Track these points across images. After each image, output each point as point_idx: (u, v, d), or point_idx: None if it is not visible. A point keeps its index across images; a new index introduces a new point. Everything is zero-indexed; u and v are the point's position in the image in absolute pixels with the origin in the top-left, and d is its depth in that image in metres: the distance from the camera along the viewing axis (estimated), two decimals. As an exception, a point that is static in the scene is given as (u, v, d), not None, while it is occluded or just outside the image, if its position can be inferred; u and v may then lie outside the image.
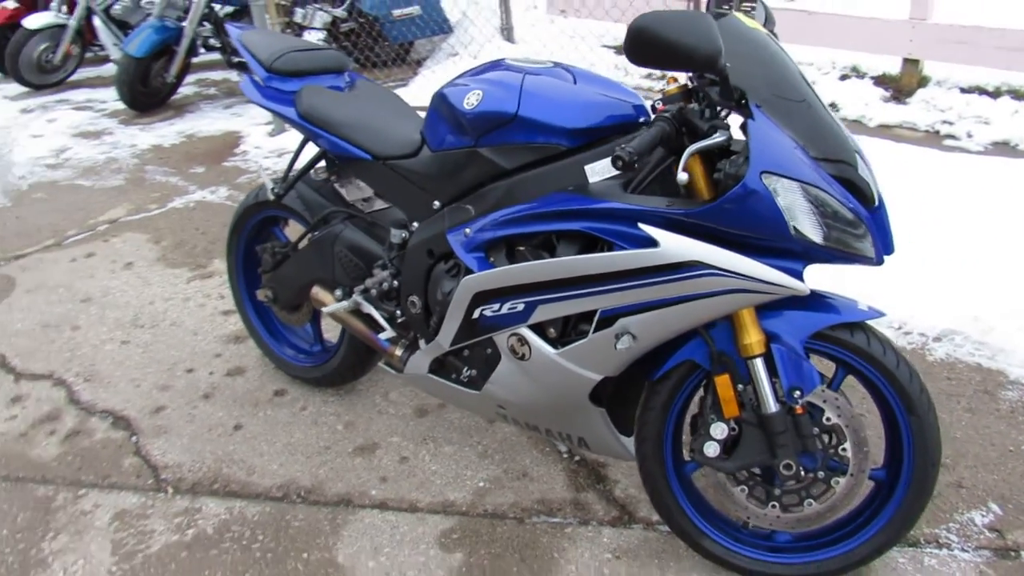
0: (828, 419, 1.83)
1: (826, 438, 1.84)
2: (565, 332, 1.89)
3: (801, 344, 1.76)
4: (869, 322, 1.82)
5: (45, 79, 7.37)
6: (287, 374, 2.92)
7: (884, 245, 1.70)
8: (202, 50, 6.76)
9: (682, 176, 1.61)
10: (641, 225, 1.67)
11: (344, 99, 2.45)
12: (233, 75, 7.25)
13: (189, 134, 6.04)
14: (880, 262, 1.67)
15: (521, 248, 1.92)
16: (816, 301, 1.79)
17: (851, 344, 1.78)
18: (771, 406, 1.76)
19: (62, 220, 4.59)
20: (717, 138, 1.62)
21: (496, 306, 1.92)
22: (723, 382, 1.80)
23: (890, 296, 3.01)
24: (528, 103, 1.86)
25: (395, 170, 2.24)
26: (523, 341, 1.93)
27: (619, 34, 7.02)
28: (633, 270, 1.69)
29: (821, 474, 1.85)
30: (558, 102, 1.86)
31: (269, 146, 5.51)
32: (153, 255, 4.07)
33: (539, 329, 1.91)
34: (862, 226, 1.61)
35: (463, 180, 2.04)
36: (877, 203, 1.67)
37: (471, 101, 1.95)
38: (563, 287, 1.80)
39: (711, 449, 1.83)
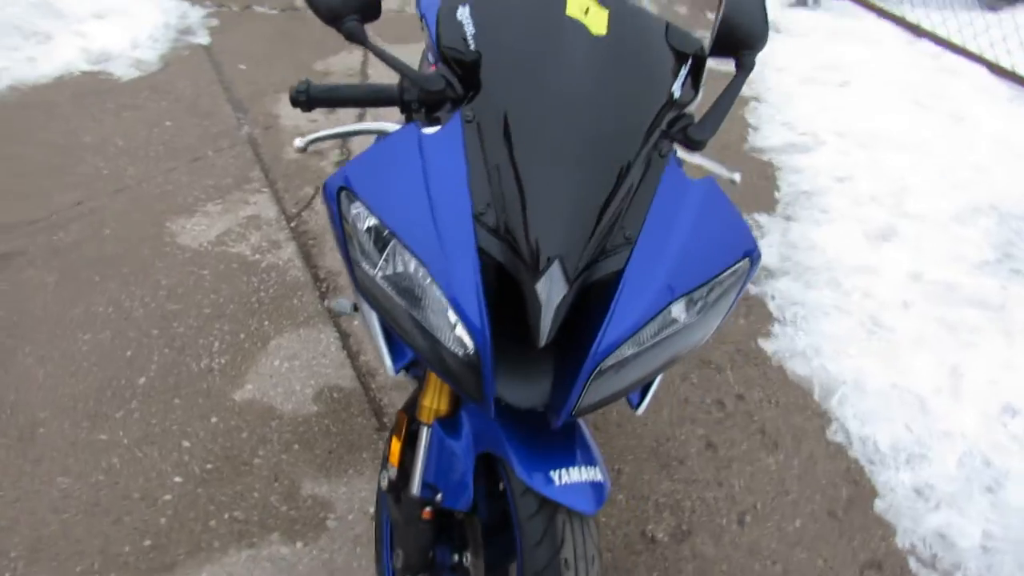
0: (465, 559, 1.37)
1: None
2: None
3: (471, 450, 1.30)
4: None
5: None
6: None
7: (559, 406, 1.11)
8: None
9: (296, 142, 1.24)
10: None
11: None
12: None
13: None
14: (485, 407, 1.09)
15: None
16: (534, 425, 1.27)
17: (516, 499, 1.25)
18: (413, 487, 1.38)
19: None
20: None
21: None
22: (400, 422, 1.45)
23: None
24: None
25: None
26: None
27: None
28: None
29: None
30: None
31: (777, 18, 4.98)
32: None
33: None
34: (447, 331, 1.06)
35: None
36: (543, 344, 1.06)
37: None
38: None
39: (384, 480, 1.53)
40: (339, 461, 2.05)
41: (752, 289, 2.71)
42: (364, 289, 1.12)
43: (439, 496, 1.32)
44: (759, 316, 2.60)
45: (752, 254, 1.18)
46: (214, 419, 2.14)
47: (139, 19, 4.48)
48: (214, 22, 4.60)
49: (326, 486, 1.98)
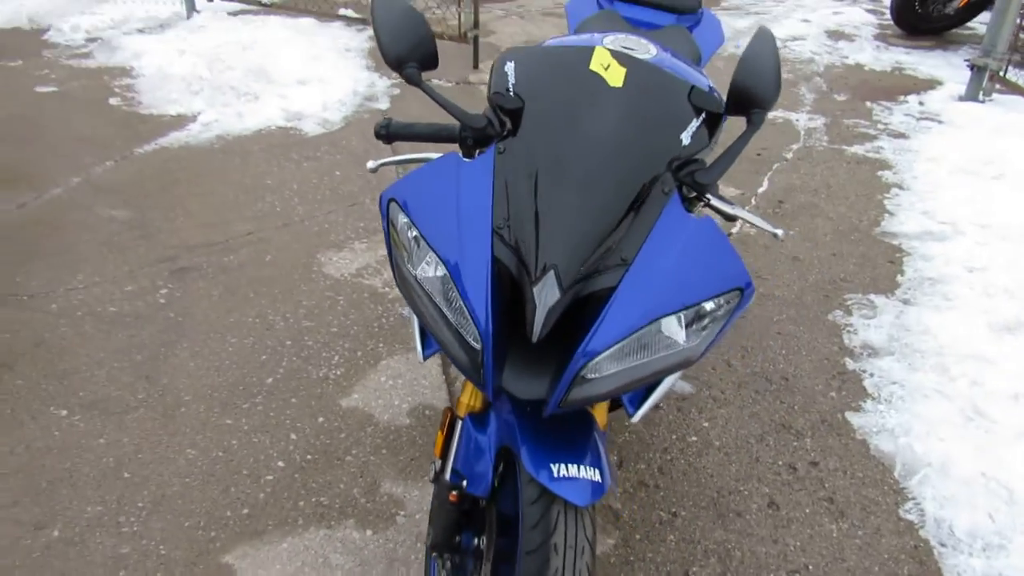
0: (480, 542, 1.53)
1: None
2: None
3: (493, 443, 1.49)
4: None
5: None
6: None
7: (549, 399, 1.27)
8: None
9: (369, 164, 1.49)
10: None
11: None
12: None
13: (899, 65, 5.70)
14: (488, 395, 1.27)
15: None
16: (551, 427, 1.43)
17: (523, 487, 1.41)
18: (445, 473, 1.58)
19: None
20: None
21: None
22: (445, 417, 1.65)
23: None
24: None
25: None
26: None
27: None
28: None
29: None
30: None
31: (941, 110, 4.89)
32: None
33: None
34: (469, 325, 1.25)
35: None
36: (535, 340, 1.24)
37: None
38: None
39: (431, 472, 1.74)
40: (418, 468, 2.26)
41: (849, 365, 2.70)
42: (402, 286, 1.36)
43: (465, 483, 1.50)
44: (852, 391, 2.59)
45: (745, 289, 1.30)
46: (321, 419, 2.44)
47: (334, 86, 5.13)
48: (396, 91, 5.17)
49: (402, 487, 2.20)
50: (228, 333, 2.81)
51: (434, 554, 1.58)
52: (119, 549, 2.02)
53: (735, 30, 6.50)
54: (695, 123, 1.39)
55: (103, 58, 5.52)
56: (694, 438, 2.39)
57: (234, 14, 6.21)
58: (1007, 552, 2.02)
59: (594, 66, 1.36)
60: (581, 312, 1.27)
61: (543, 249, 1.24)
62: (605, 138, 1.31)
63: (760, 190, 3.91)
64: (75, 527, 2.08)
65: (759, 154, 4.27)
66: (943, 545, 2.06)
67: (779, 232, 1.63)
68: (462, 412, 1.53)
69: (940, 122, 4.69)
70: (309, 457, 2.30)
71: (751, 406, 2.52)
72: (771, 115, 4.83)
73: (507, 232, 1.28)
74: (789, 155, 4.28)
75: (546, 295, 1.23)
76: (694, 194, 1.44)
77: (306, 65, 5.26)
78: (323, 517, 2.11)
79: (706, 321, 1.29)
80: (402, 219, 1.34)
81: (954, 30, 6.25)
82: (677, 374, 1.39)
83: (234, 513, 2.12)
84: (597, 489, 1.34)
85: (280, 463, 2.28)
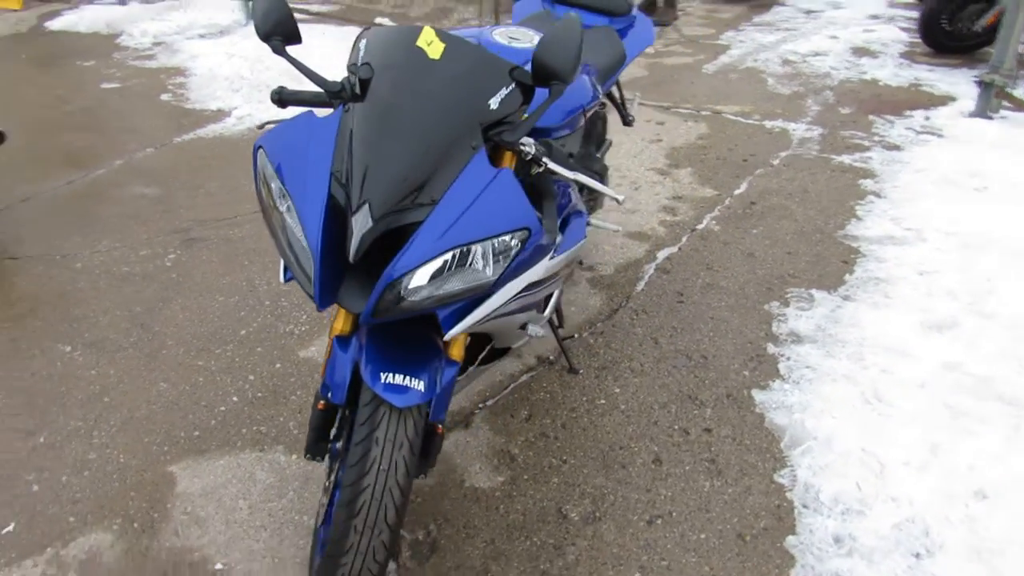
0: (335, 441, 1.83)
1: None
2: None
3: (350, 362, 1.78)
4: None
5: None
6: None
7: (364, 305, 1.56)
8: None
9: (256, 124, 1.80)
10: None
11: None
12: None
13: (917, 82, 5.75)
14: (320, 307, 1.57)
15: None
16: (394, 348, 1.72)
17: (362, 392, 1.69)
18: (319, 387, 1.88)
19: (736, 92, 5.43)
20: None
21: None
22: (328, 345, 1.95)
23: None
24: None
25: None
26: None
27: None
28: None
29: (327, 482, 1.89)
30: None
31: (945, 124, 4.95)
32: (693, 153, 4.68)
33: None
34: (305, 254, 1.55)
35: None
36: (352, 260, 1.53)
37: None
38: None
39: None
40: (350, 410, 2.57)
41: (770, 349, 2.88)
42: (266, 219, 1.67)
43: (330, 394, 1.80)
44: (765, 372, 2.77)
45: (532, 230, 1.57)
46: (278, 365, 2.78)
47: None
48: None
49: (332, 424, 2.51)
50: (218, 293, 3.19)
51: (307, 455, 1.87)
52: (87, 455, 2.40)
53: (759, 44, 6.65)
54: (504, 92, 1.66)
55: (164, 59, 6.08)
56: (602, 401, 2.62)
57: (287, 21, 6.72)
58: (865, 517, 2.18)
59: (420, 42, 1.66)
60: (399, 243, 1.56)
61: (364, 187, 1.54)
62: (423, 100, 1.59)
63: (737, 192, 4.09)
64: (57, 436, 2.46)
65: (746, 160, 4.45)
66: (805, 507, 2.24)
67: (620, 198, 1.88)
68: (331, 335, 1.82)
69: (941, 136, 4.76)
70: (260, 395, 2.64)
71: (664, 378, 2.73)
72: (768, 124, 5.00)
73: (341, 174, 1.58)
74: (776, 161, 4.43)
75: (361, 223, 1.52)
76: (531, 157, 1.71)
77: (341, 65, 5.67)
78: (259, 442, 2.44)
79: (503, 258, 1.56)
80: (267, 165, 1.65)
81: (986, 48, 6.23)
82: (487, 309, 1.65)
83: (187, 434, 2.47)
84: (419, 397, 1.63)
85: (235, 398, 2.63)
